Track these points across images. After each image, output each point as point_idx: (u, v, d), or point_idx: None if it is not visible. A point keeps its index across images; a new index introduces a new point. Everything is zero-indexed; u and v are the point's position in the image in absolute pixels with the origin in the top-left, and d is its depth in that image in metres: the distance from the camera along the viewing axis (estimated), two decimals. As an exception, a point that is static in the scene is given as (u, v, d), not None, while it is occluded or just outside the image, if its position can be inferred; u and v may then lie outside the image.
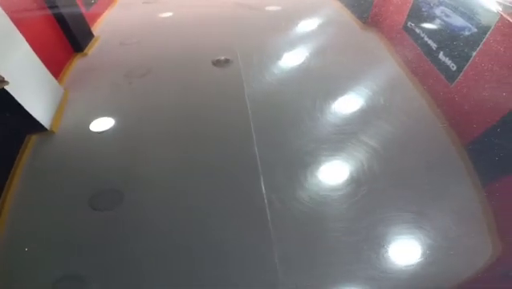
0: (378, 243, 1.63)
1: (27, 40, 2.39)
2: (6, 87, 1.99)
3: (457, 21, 2.65)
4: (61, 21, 3.07)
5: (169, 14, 4.28)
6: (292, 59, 3.15)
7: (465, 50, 2.48)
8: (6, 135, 2.17)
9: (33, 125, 2.24)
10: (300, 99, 2.61)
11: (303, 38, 3.52)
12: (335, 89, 2.68)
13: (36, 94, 2.35)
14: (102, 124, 2.40)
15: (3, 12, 2.21)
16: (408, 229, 1.69)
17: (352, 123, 2.37)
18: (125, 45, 3.54)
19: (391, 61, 3.08)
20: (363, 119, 2.40)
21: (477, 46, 2.38)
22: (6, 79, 1.98)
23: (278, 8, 4.30)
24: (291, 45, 3.35)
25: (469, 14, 2.55)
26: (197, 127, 2.40)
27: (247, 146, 2.23)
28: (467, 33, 2.51)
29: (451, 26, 2.72)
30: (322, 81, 2.81)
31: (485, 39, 2.38)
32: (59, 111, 2.52)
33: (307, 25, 3.85)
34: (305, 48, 3.31)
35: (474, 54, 2.39)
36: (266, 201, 1.86)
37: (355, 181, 1.93)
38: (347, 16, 3.98)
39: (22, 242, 1.73)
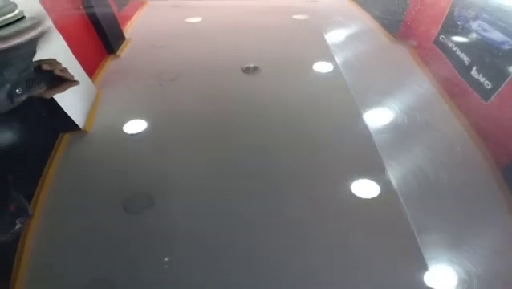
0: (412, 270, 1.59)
1: (64, 40, 2.43)
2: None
3: (496, 36, 2.58)
4: (95, 22, 3.12)
5: (198, 19, 4.32)
6: (321, 70, 3.12)
7: (504, 67, 2.40)
8: (41, 133, 2.19)
9: (67, 124, 2.27)
10: (331, 111, 2.59)
11: (332, 50, 3.48)
12: (364, 104, 2.63)
13: (71, 93, 2.35)
14: (135, 125, 2.41)
15: (44, 12, 2.25)
16: (442, 258, 1.64)
17: (380, 142, 2.32)
18: (156, 48, 3.58)
19: (421, 76, 3.02)
20: (392, 138, 2.35)
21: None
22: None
23: (306, 17, 4.31)
24: (321, 56, 3.32)
25: (510, 29, 2.48)
26: (227, 134, 2.39)
27: (280, 154, 2.21)
28: (507, 48, 2.44)
29: (489, 40, 2.65)
30: (352, 95, 2.77)
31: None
32: (92, 110, 2.55)
33: (336, 37, 3.81)
34: (334, 61, 3.26)
35: (514, 70, 2.31)
36: (297, 213, 1.85)
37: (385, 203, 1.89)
38: (377, 29, 3.95)
39: (54, 244, 1.73)
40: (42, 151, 2.15)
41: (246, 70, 3.11)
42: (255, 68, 3.12)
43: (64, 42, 2.42)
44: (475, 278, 1.52)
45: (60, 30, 2.39)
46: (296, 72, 3.10)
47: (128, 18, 4.21)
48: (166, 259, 1.58)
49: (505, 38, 2.49)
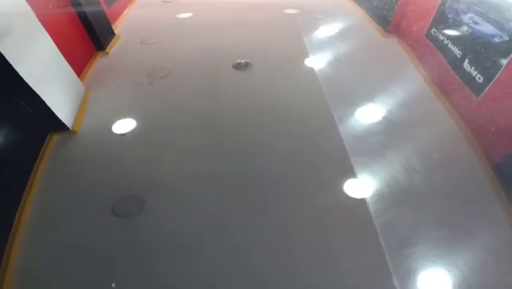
0: (403, 272, 1.60)
1: (51, 37, 2.39)
2: (31, 84, 1.99)
3: (487, 28, 2.56)
4: (84, 19, 3.07)
5: (189, 14, 4.28)
6: (312, 65, 3.11)
7: (495, 59, 2.39)
8: (29, 133, 2.16)
9: (55, 124, 2.24)
10: (320, 106, 2.58)
11: (324, 45, 3.47)
12: (354, 99, 2.64)
13: (59, 92, 2.35)
14: (124, 125, 2.39)
15: (30, 9, 2.21)
16: (438, 257, 1.64)
17: (372, 136, 2.33)
18: (146, 44, 3.54)
19: (412, 71, 3.02)
20: (382, 132, 2.36)
21: (509, 56, 2.29)
22: (30, 75, 1.98)
23: (297, 11, 4.28)
24: (312, 51, 3.31)
25: (501, 21, 2.46)
26: (219, 132, 2.37)
27: (272, 150, 2.21)
28: (497, 41, 2.43)
29: (479, 33, 2.64)
30: (343, 90, 2.77)
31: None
32: (81, 110, 2.52)
33: (328, 31, 3.80)
34: (325, 55, 3.26)
35: (505, 64, 2.30)
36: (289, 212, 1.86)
37: (376, 200, 1.90)
38: (368, 23, 3.94)
39: (41, 250, 1.71)
40: (30, 152, 2.12)
41: (238, 66, 3.08)
42: (246, 64, 3.10)
43: (51, 40, 2.38)
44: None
45: (47, 27, 2.34)
46: (287, 69, 3.08)
47: (117, 14, 4.16)
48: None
49: (496, 31, 2.47)
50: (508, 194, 1.87)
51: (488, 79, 2.35)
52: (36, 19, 2.25)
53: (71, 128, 2.32)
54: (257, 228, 1.76)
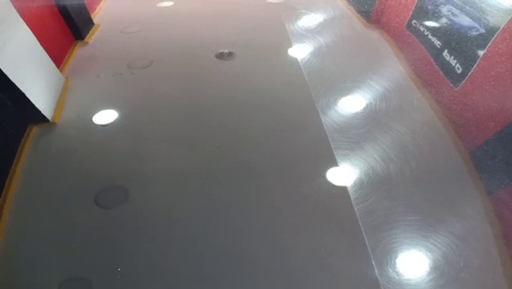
0: (383, 255, 1.64)
1: (28, 25, 2.32)
2: (9, 75, 1.94)
3: (464, 20, 2.62)
4: (61, 7, 2.98)
5: (170, 3, 4.21)
6: (296, 55, 3.12)
7: (472, 52, 2.45)
8: (7, 125, 2.10)
9: (35, 116, 2.20)
10: (303, 96, 2.60)
11: (307, 34, 3.48)
12: (336, 90, 2.67)
13: (38, 82, 2.29)
14: (105, 116, 2.36)
15: (6, -2, 2.14)
16: (412, 239, 1.70)
17: (353, 127, 2.36)
18: (126, 34, 3.47)
19: (393, 61, 3.07)
20: (363, 123, 2.39)
21: (484, 48, 2.36)
22: (8, 65, 1.93)
23: (280, 1, 4.27)
24: (295, 40, 3.32)
25: (478, 14, 2.53)
26: (203, 122, 2.37)
27: (254, 139, 2.22)
28: (474, 33, 2.50)
29: (457, 25, 2.70)
30: (326, 80, 2.79)
31: (492, 40, 2.35)
32: (60, 101, 2.47)
33: (311, 21, 3.80)
34: (307, 45, 3.28)
35: (481, 56, 2.37)
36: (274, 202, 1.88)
37: (357, 188, 1.94)
38: (351, 13, 3.96)
39: (24, 242, 1.68)
40: (9, 145, 2.07)
41: (220, 55, 3.07)
42: (229, 54, 3.08)
43: (29, 30, 2.32)
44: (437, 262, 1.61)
45: (24, 17, 2.27)
46: (270, 58, 3.09)
47: (96, 2, 4.05)
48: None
49: (473, 24, 2.53)
50: (484, 182, 1.95)
51: (465, 71, 2.42)
52: (13, 8, 2.18)
53: (50, 119, 2.27)
54: (245, 212, 1.79)
